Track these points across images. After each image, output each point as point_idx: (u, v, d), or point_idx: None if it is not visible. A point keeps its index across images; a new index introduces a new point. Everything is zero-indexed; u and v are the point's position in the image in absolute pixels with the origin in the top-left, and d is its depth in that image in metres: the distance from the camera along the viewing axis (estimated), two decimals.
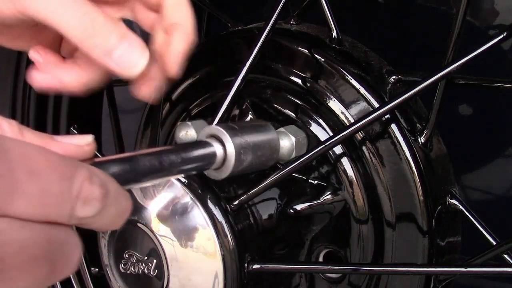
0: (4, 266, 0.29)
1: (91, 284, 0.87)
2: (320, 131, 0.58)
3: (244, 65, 0.54)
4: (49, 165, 0.31)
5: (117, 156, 0.40)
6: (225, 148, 0.48)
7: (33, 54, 0.54)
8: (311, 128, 0.58)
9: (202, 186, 0.51)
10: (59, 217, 0.31)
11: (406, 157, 0.53)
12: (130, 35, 0.49)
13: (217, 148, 0.47)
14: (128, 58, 0.48)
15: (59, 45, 0.58)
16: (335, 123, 0.57)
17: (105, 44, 0.48)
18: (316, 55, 0.57)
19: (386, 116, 0.53)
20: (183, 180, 0.51)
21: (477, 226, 0.54)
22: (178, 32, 0.50)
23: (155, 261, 0.51)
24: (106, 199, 0.34)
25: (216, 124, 0.49)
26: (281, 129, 0.58)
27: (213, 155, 0.47)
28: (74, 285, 0.87)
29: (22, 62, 0.81)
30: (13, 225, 0.29)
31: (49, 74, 0.53)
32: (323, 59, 0.57)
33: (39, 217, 0.30)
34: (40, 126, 0.84)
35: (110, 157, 0.40)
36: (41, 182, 0.30)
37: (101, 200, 0.33)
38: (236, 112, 0.63)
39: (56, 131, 0.84)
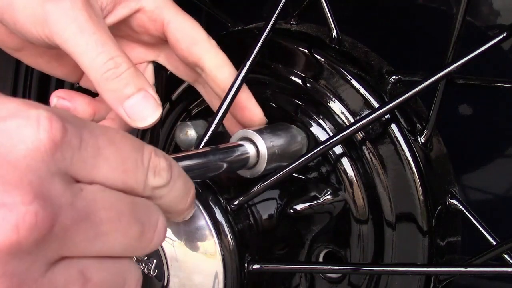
0: (97, 220, 0.31)
1: None
2: (320, 131, 0.58)
3: (244, 65, 0.54)
4: (123, 138, 0.34)
5: None
6: (258, 148, 0.52)
7: (59, 102, 0.55)
8: (311, 128, 0.58)
9: (202, 186, 0.51)
10: (136, 184, 0.34)
11: (406, 157, 0.53)
12: (148, 88, 0.50)
13: (250, 148, 0.52)
14: (139, 111, 0.50)
15: (80, 74, 0.59)
16: (335, 123, 0.57)
17: (120, 91, 0.50)
18: (316, 55, 0.57)
19: (386, 116, 0.53)
20: None
21: (477, 226, 0.54)
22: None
23: (155, 261, 0.51)
24: (172, 171, 0.36)
25: (248, 128, 0.54)
26: None
27: (247, 155, 0.52)
28: None
29: (22, 62, 0.81)
30: (99, 187, 0.32)
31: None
32: (323, 59, 0.57)
33: (120, 183, 0.33)
34: None
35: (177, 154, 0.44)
36: (119, 150, 0.33)
37: (168, 171, 0.36)
38: None
39: None
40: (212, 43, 0.56)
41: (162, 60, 0.59)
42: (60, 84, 0.82)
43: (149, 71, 0.59)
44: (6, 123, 0.29)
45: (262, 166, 0.53)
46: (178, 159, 0.43)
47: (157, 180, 0.35)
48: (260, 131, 0.53)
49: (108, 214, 0.32)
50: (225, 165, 0.49)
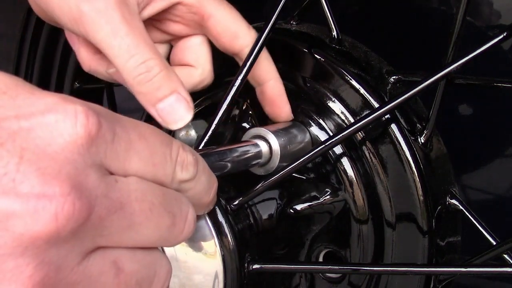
0: (131, 211, 0.32)
1: None
2: (320, 131, 0.58)
3: (244, 65, 0.54)
4: (153, 133, 0.35)
5: None
6: (271, 146, 0.54)
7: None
8: (311, 128, 0.58)
9: None
10: (165, 177, 0.35)
11: (406, 157, 0.53)
12: (181, 90, 0.51)
13: (263, 146, 0.54)
14: (171, 113, 0.51)
15: None
16: (335, 123, 0.57)
17: (152, 94, 0.50)
18: (316, 55, 0.57)
19: (386, 116, 0.53)
20: None
21: (477, 226, 0.54)
22: (271, 81, 0.56)
23: None
24: (198, 165, 0.37)
25: (258, 127, 0.56)
26: None
27: (260, 152, 0.54)
28: None
29: (22, 62, 0.81)
30: (132, 178, 0.33)
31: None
32: (323, 59, 0.57)
33: (150, 176, 0.34)
34: None
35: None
36: (149, 144, 0.34)
37: (195, 165, 0.37)
38: (236, 112, 0.63)
39: None
40: (253, 34, 0.56)
41: (208, 35, 0.58)
42: (60, 84, 0.82)
43: (205, 44, 0.58)
44: (45, 117, 0.30)
45: (275, 163, 0.54)
46: (203, 155, 0.44)
47: (185, 174, 0.36)
48: (272, 129, 0.55)
49: (141, 205, 0.33)
50: (241, 163, 0.51)
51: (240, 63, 0.56)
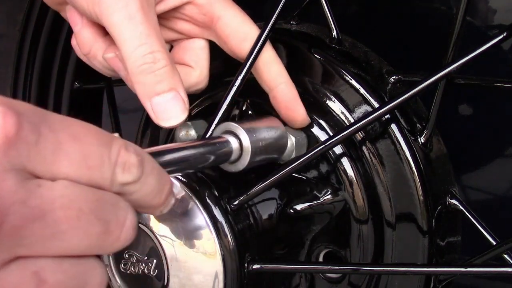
0: (54, 218, 0.30)
1: None
2: (320, 131, 0.58)
3: (244, 65, 0.54)
4: (89, 133, 0.33)
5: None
6: (241, 142, 0.51)
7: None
8: (311, 128, 0.58)
9: (202, 186, 0.51)
10: (102, 180, 0.33)
11: (406, 157, 0.53)
12: (181, 90, 0.50)
13: (233, 142, 0.51)
14: (165, 110, 0.50)
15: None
16: (335, 123, 0.57)
17: (151, 86, 0.49)
18: (316, 55, 0.57)
19: (386, 116, 0.53)
20: (183, 179, 0.51)
21: (477, 226, 0.54)
22: (282, 85, 0.55)
23: (155, 261, 0.51)
24: (143, 167, 0.35)
25: (229, 122, 0.53)
26: None
27: (230, 149, 0.51)
28: None
29: (22, 62, 0.81)
30: (60, 183, 0.31)
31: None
32: (323, 59, 0.57)
33: (84, 180, 0.32)
34: None
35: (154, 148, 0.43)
36: (83, 145, 0.32)
37: (139, 167, 0.35)
38: (236, 112, 0.63)
39: None
40: None
41: (213, 38, 0.58)
42: (60, 84, 0.82)
43: (207, 49, 0.58)
44: None
45: (245, 160, 0.52)
46: (155, 154, 0.42)
47: (126, 176, 0.34)
48: (243, 124, 0.52)
49: (66, 213, 0.31)
50: (207, 159, 0.48)
51: (259, 73, 0.56)
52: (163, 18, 0.56)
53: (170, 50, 0.60)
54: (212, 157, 0.49)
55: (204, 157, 0.48)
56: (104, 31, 0.54)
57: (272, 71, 0.55)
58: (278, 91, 0.55)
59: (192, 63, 0.57)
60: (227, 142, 0.51)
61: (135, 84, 0.50)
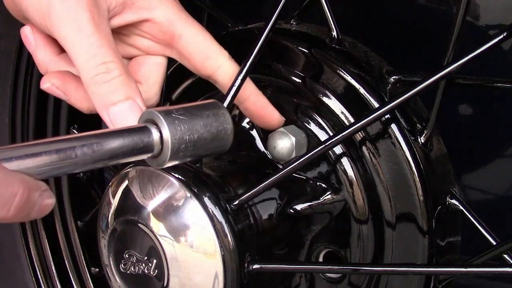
0: None
1: (91, 284, 0.87)
2: (320, 131, 0.58)
3: (244, 65, 0.54)
4: None
5: (30, 143, 0.38)
6: (161, 133, 0.44)
7: (26, 30, 0.54)
8: (311, 128, 0.58)
9: (202, 186, 0.51)
10: None
11: (406, 157, 0.53)
12: (138, 99, 0.49)
13: (154, 134, 0.44)
14: (123, 119, 0.49)
15: None
16: (335, 123, 0.57)
17: (107, 96, 0.49)
18: (316, 55, 0.57)
19: (386, 116, 0.53)
20: (183, 179, 0.51)
21: (477, 226, 0.54)
22: (250, 97, 0.56)
23: (155, 261, 0.51)
24: None
25: (155, 107, 0.47)
26: (281, 129, 0.58)
27: (149, 141, 0.43)
28: (74, 285, 0.87)
29: (22, 62, 0.81)
30: None
31: (60, 83, 0.54)
32: (323, 59, 0.57)
33: None
34: (40, 126, 0.84)
35: (23, 144, 0.38)
36: None
37: None
38: (236, 112, 0.63)
39: (56, 131, 0.84)
40: (225, 56, 0.55)
41: (176, 58, 0.58)
42: None
43: (162, 66, 0.58)
44: None
45: (166, 156, 0.44)
46: (15, 154, 0.36)
47: None
48: (168, 113, 0.44)
49: None
50: (111, 153, 0.41)
51: (216, 85, 0.56)
52: (123, 34, 0.56)
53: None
54: (119, 152, 0.41)
55: (102, 151, 0.40)
56: (61, 48, 0.54)
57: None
58: (248, 104, 0.57)
59: (143, 79, 0.57)
60: (147, 132, 0.43)
61: (91, 96, 0.49)
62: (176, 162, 0.46)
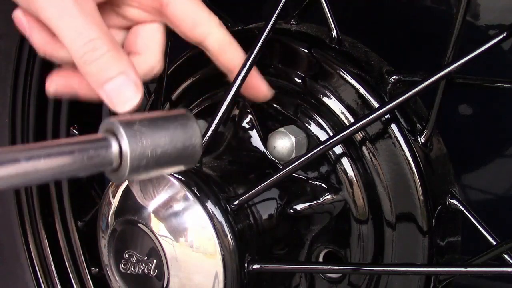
0: None
1: (91, 284, 0.87)
2: (320, 131, 0.58)
3: (244, 65, 0.54)
4: None
5: None
6: (121, 147, 0.40)
7: (18, 15, 0.53)
8: (311, 128, 0.58)
9: (202, 186, 0.51)
10: None
11: (406, 157, 0.53)
12: (130, 72, 0.49)
13: (113, 147, 0.40)
14: (119, 94, 0.48)
15: None
16: (335, 123, 0.57)
17: (99, 74, 0.48)
18: (316, 55, 0.57)
19: (386, 116, 0.53)
20: (183, 179, 0.51)
21: (477, 226, 0.54)
22: (213, 33, 0.53)
23: (155, 261, 0.51)
24: None
25: (119, 117, 0.42)
26: (281, 129, 0.58)
27: (106, 155, 0.40)
28: (74, 285, 0.87)
29: (22, 62, 0.81)
30: None
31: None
32: (323, 59, 0.57)
33: None
34: (40, 126, 0.84)
35: None
36: None
37: None
38: (236, 112, 0.63)
39: (56, 132, 0.84)
40: (215, 23, 0.55)
41: (168, 22, 0.57)
42: None
43: (159, 33, 0.57)
44: None
45: (125, 170, 0.41)
46: None
47: None
48: (130, 124, 0.41)
49: None
50: (63, 167, 0.37)
51: (207, 53, 0.55)
52: (114, 4, 0.55)
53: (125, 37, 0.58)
54: (75, 164, 0.38)
55: (51, 164, 0.37)
56: None
57: (227, 54, 0.55)
58: (210, 40, 0.54)
59: (142, 48, 0.56)
60: (105, 145, 0.40)
61: (85, 77, 0.49)
62: (137, 177, 0.42)
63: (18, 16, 0.54)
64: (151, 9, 0.55)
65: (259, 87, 0.57)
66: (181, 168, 0.45)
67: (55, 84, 0.54)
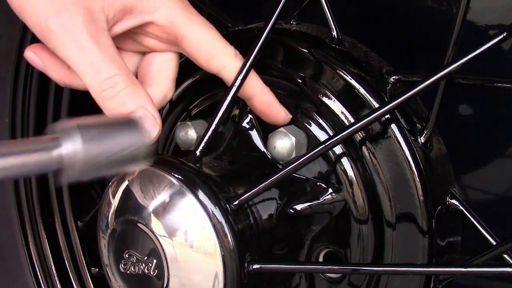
0: None
1: (91, 284, 0.87)
2: (320, 131, 0.58)
3: (244, 65, 0.54)
4: None
5: None
6: (69, 149, 0.42)
7: (29, 55, 0.54)
8: (311, 128, 0.58)
9: (202, 186, 0.51)
10: None
11: (406, 157, 0.53)
12: (148, 106, 0.50)
13: (62, 148, 0.42)
14: None
15: None
16: (335, 123, 0.57)
17: (118, 110, 0.49)
18: (316, 55, 0.57)
19: (386, 116, 0.53)
20: (183, 179, 0.51)
21: (477, 226, 0.54)
22: (258, 95, 0.56)
23: (155, 261, 0.51)
24: None
25: (69, 120, 0.44)
26: (281, 129, 0.58)
27: (53, 156, 0.42)
28: (74, 285, 0.87)
29: (22, 62, 0.81)
30: None
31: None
32: (323, 59, 0.57)
33: None
34: (40, 126, 0.84)
35: None
36: None
37: None
38: (236, 112, 0.63)
39: None
40: (230, 55, 0.55)
41: (183, 52, 0.58)
42: None
43: (172, 62, 0.58)
44: None
45: (73, 172, 0.43)
46: None
47: None
48: (80, 128, 0.43)
49: None
50: (10, 167, 0.39)
51: (224, 81, 0.56)
52: (131, 32, 0.55)
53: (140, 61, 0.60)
54: (22, 164, 0.40)
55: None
56: None
57: (248, 82, 0.55)
58: (256, 100, 0.57)
59: (155, 78, 0.57)
60: (54, 146, 0.42)
61: (104, 111, 0.50)
62: (85, 177, 0.45)
63: (30, 56, 0.55)
64: (167, 41, 0.56)
65: (278, 114, 0.58)
66: (131, 168, 0.49)
67: (35, 56, 0.55)
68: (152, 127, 0.49)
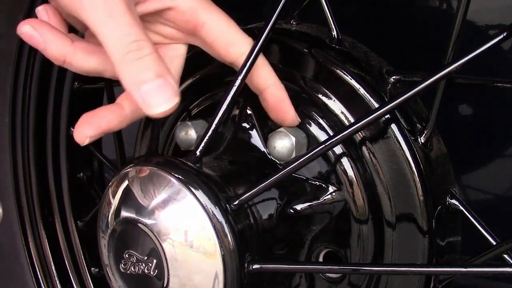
0: None
1: (91, 284, 0.87)
2: (320, 131, 0.58)
3: (244, 65, 0.54)
4: None
5: None
6: None
7: (27, 30, 0.53)
8: (311, 128, 0.58)
9: (202, 186, 0.51)
10: None
11: (406, 157, 0.53)
12: (168, 77, 0.49)
13: None
14: (154, 97, 0.48)
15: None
16: (335, 123, 0.57)
17: (138, 75, 0.48)
18: (316, 55, 0.57)
19: (386, 116, 0.53)
20: (183, 179, 0.51)
21: (477, 226, 0.54)
22: (271, 87, 0.55)
23: (155, 261, 0.51)
24: None
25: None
26: (281, 129, 0.58)
27: None
28: (74, 285, 0.87)
29: (22, 62, 0.81)
30: None
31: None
32: (323, 59, 0.57)
33: None
34: (40, 126, 0.84)
35: None
36: None
37: None
38: (236, 112, 0.63)
39: (56, 132, 0.84)
40: (249, 43, 0.55)
41: (199, 43, 0.58)
42: (60, 84, 0.82)
43: (182, 56, 0.58)
44: None
45: None
46: None
47: None
48: None
49: None
50: None
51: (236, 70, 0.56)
52: (147, 21, 0.56)
53: None
54: None
55: None
56: (70, 37, 0.54)
57: (261, 74, 0.56)
58: (267, 93, 0.56)
59: None
60: None
61: (123, 75, 0.49)
62: None
63: (29, 31, 0.53)
64: (185, 30, 0.56)
65: (287, 112, 0.57)
66: None
67: (34, 31, 0.53)
68: (171, 97, 0.48)
